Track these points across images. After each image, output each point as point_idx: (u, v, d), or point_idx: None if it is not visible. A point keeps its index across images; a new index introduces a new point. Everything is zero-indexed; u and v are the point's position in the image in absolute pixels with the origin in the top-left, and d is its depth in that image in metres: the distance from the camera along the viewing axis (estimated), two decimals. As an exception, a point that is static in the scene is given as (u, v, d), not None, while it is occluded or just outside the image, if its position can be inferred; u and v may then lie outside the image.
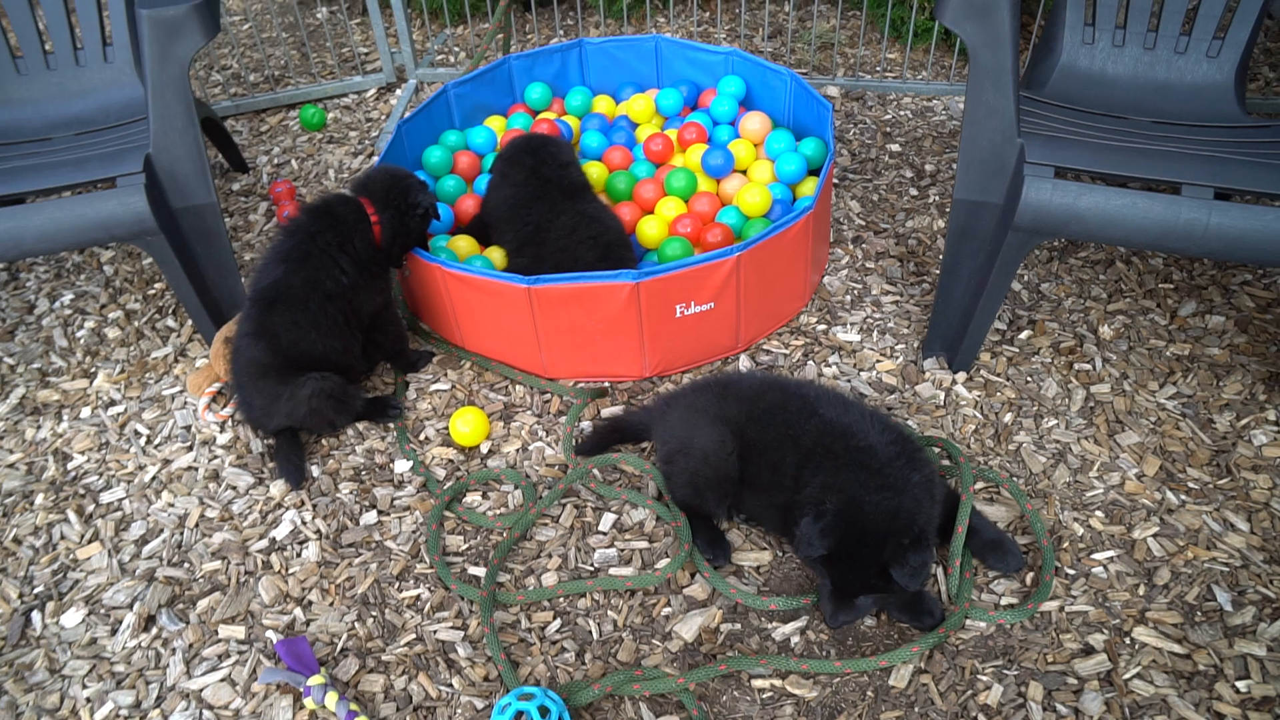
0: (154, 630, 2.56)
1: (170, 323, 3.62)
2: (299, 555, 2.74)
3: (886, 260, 3.66)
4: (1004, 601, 2.49)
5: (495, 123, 4.10)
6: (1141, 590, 2.49)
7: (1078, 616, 2.45)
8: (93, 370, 3.43)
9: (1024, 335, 3.29)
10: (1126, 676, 2.30)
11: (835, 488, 2.34)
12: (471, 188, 3.78)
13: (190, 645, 2.52)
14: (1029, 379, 3.13)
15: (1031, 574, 2.55)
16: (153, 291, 3.79)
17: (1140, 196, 2.69)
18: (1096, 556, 2.58)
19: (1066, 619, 2.44)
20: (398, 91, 5.03)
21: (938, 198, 3.99)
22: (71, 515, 2.89)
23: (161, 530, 2.84)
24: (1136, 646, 2.37)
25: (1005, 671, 2.34)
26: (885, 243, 3.75)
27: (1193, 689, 2.28)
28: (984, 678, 2.32)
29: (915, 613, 2.42)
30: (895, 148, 4.32)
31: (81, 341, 3.56)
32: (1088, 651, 2.37)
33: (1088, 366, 3.16)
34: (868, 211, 3.93)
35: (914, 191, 4.04)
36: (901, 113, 4.56)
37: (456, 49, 5.38)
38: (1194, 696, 2.26)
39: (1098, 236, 2.78)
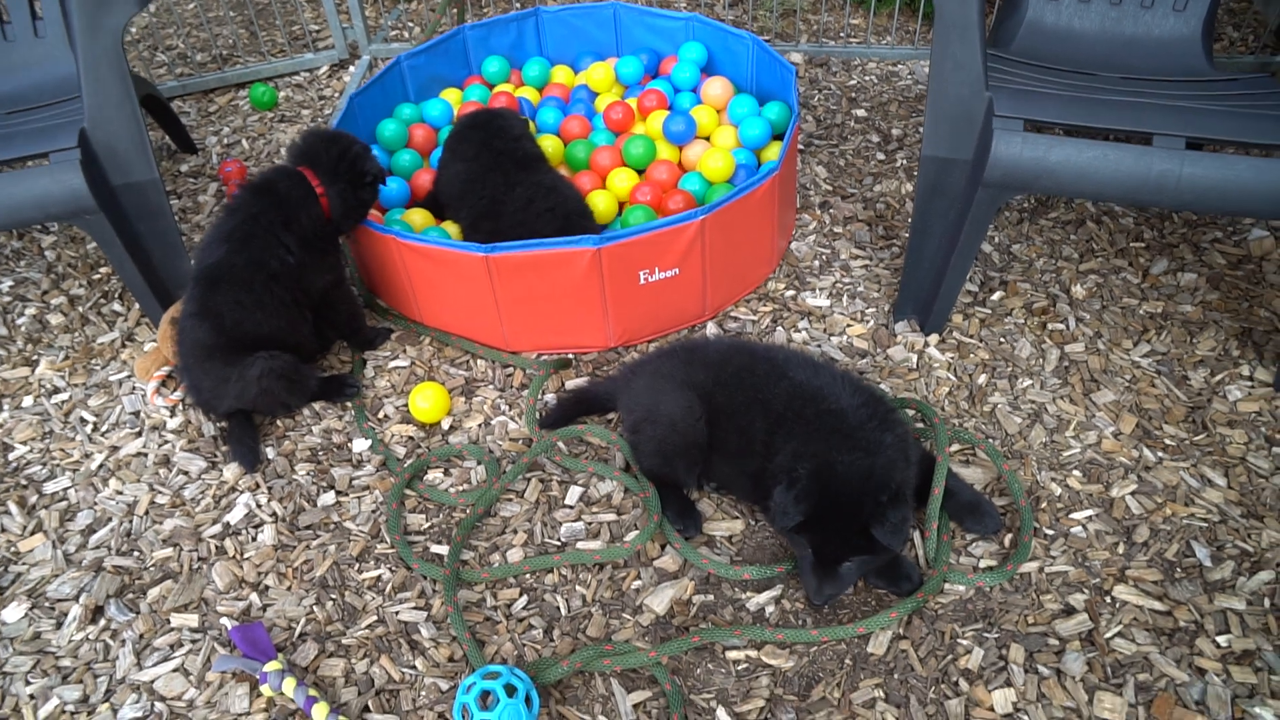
0: (102, 622, 2.44)
1: (117, 307, 3.48)
2: (254, 540, 2.63)
3: (855, 224, 3.59)
4: (983, 564, 2.43)
5: (451, 95, 3.98)
6: (1121, 549, 2.45)
7: (1057, 577, 2.40)
8: (34, 358, 3.28)
9: (996, 296, 3.24)
10: (1108, 635, 2.25)
11: (807, 453, 2.27)
12: (428, 162, 3.66)
13: (141, 636, 2.41)
14: (1002, 340, 3.07)
15: (1010, 535, 2.49)
16: (98, 276, 3.64)
17: (1112, 148, 2.63)
18: (1075, 516, 2.53)
19: (1046, 580, 2.39)
20: (351, 69, 4.88)
21: (905, 161, 3.92)
22: (12, 507, 2.75)
23: (109, 519, 2.71)
24: (1117, 605, 2.32)
25: (985, 635, 2.28)
26: (853, 207, 3.67)
27: (1174, 645, 2.23)
28: (964, 642, 2.27)
29: (893, 578, 2.35)
30: (861, 113, 4.25)
31: (22, 329, 3.41)
32: (1068, 612, 2.32)
33: (1061, 326, 3.11)
34: (834, 176, 3.86)
35: (881, 156, 3.97)
36: (867, 78, 4.49)
37: (411, 24, 5.24)
38: (1175, 653, 2.21)
39: (1069, 191, 2.72)
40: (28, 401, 3.12)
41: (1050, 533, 2.50)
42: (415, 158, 3.60)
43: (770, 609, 2.37)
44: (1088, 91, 3.05)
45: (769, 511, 2.38)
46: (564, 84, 4.03)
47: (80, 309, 3.47)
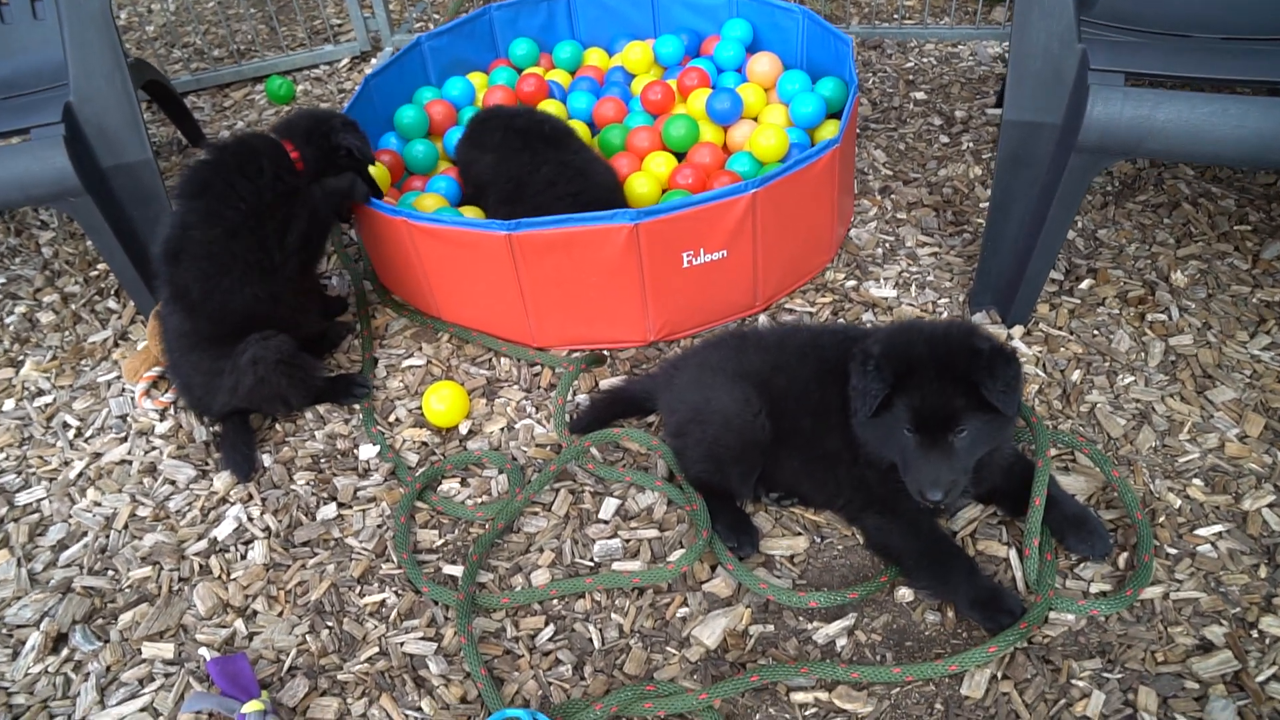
0: (64, 651, 2.12)
1: (112, 304, 3.20)
2: (243, 557, 2.30)
3: (920, 210, 3.22)
4: (1095, 589, 2.04)
5: (475, 79, 3.68)
6: (1263, 571, 2.04)
7: (1187, 605, 2.00)
8: (20, 358, 3.00)
9: (1085, 285, 2.85)
10: (1261, 678, 1.84)
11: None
12: (442, 145, 3.36)
13: (108, 668, 2.08)
14: (1096, 332, 2.69)
15: (1125, 554, 2.10)
16: (95, 273, 3.38)
17: (1233, 101, 2.25)
18: (1201, 532, 2.13)
19: (1174, 608, 1.99)
20: (372, 61, 4.62)
21: (971, 144, 3.56)
22: (-20, 520, 2.46)
23: (84, 534, 2.41)
24: (1267, 641, 1.91)
25: (1105, 675, 1.88)
26: (917, 192, 3.31)
27: (1342, 690, 1.82)
28: (1079, 683, 1.87)
29: (990, 612, 1.96)
30: (920, 95, 3.89)
31: (10, 328, 3.14)
32: (1206, 648, 1.92)
33: (1162, 317, 2.72)
34: (894, 161, 3.50)
35: (944, 139, 3.61)
36: (924, 60, 4.14)
37: (436, 16, 4.98)
38: (1344, 699, 1.81)
39: (1180, 154, 2.35)
40: (9, 405, 2.84)
41: (1173, 552, 2.10)
42: (430, 150, 3.27)
43: (842, 642, 2.00)
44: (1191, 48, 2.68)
45: (852, 504, 2.12)
46: (598, 66, 3.72)
47: (73, 306, 3.20)
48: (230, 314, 2.47)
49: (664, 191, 3.00)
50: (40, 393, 2.88)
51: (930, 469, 1.89)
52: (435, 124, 3.38)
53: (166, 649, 2.10)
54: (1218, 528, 2.14)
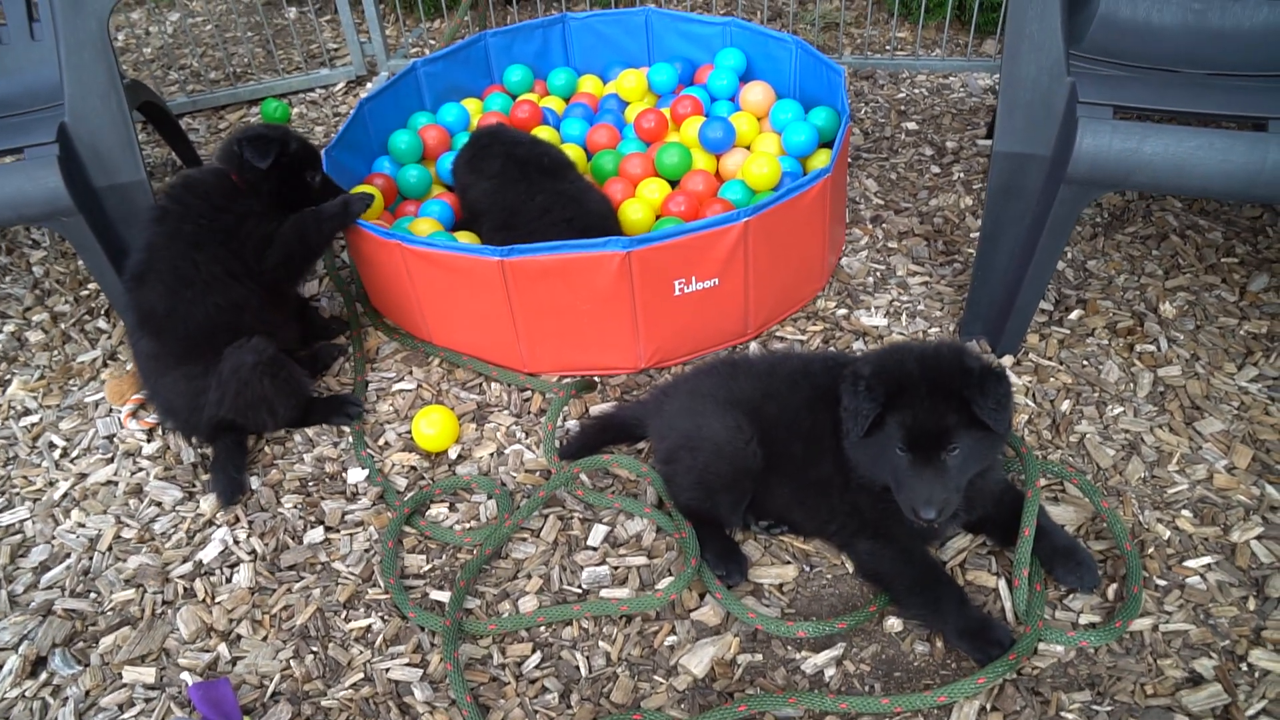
0: (43, 676, 2.09)
1: (102, 324, 3.19)
2: (228, 580, 2.28)
3: (911, 239, 3.24)
4: (1084, 620, 2.04)
5: (470, 105, 3.70)
6: (1251, 604, 2.04)
7: (1176, 637, 1.99)
8: (7, 377, 2.98)
9: (1074, 315, 2.87)
10: (1250, 712, 1.84)
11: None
12: (435, 170, 3.37)
13: (87, 693, 2.05)
14: (1085, 362, 2.70)
15: (1114, 586, 2.09)
16: (86, 293, 3.36)
17: (1219, 136, 2.28)
18: (1190, 564, 2.13)
19: (1163, 640, 1.99)
20: (368, 85, 4.64)
21: (962, 175, 3.58)
22: (-37, 541, 2.43)
23: (67, 555, 2.38)
24: (1256, 674, 1.91)
25: (1095, 707, 1.87)
26: (908, 221, 3.33)
27: (1331, 724, 1.82)
28: (1069, 715, 1.86)
29: (979, 643, 1.95)
30: (912, 125, 3.92)
31: (-2, 347, 3.13)
32: (1195, 681, 1.91)
33: (1151, 348, 2.73)
34: (886, 190, 3.53)
35: (935, 169, 3.63)
36: (916, 90, 4.18)
37: (433, 41, 5.02)
38: (1334, 734, 1.80)
39: (1167, 186, 2.36)
40: (-6, 425, 2.82)
41: (1162, 583, 2.10)
42: (424, 175, 3.28)
43: (830, 671, 1.99)
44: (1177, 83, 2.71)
45: (844, 530, 2.11)
46: (592, 93, 3.75)
47: (62, 325, 3.18)
48: (196, 328, 2.46)
49: (657, 218, 3.01)
50: (27, 412, 2.86)
51: (924, 487, 1.89)
52: (429, 149, 3.40)
53: (148, 673, 2.08)
54: (1206, 559, 2.14)
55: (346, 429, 2.66)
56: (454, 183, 3.17)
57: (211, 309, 2.47)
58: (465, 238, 2.96)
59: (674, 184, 3.15)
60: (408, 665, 2.06)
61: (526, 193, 2.87)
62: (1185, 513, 2.26)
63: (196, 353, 2.45)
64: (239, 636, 2.15)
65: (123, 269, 2.78)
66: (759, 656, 2.02)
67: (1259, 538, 2.17)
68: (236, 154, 2.62)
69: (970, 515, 2.12)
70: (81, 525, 2.46)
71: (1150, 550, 2.17)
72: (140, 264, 2.49)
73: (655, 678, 2.00)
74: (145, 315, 2.47)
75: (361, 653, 2.09)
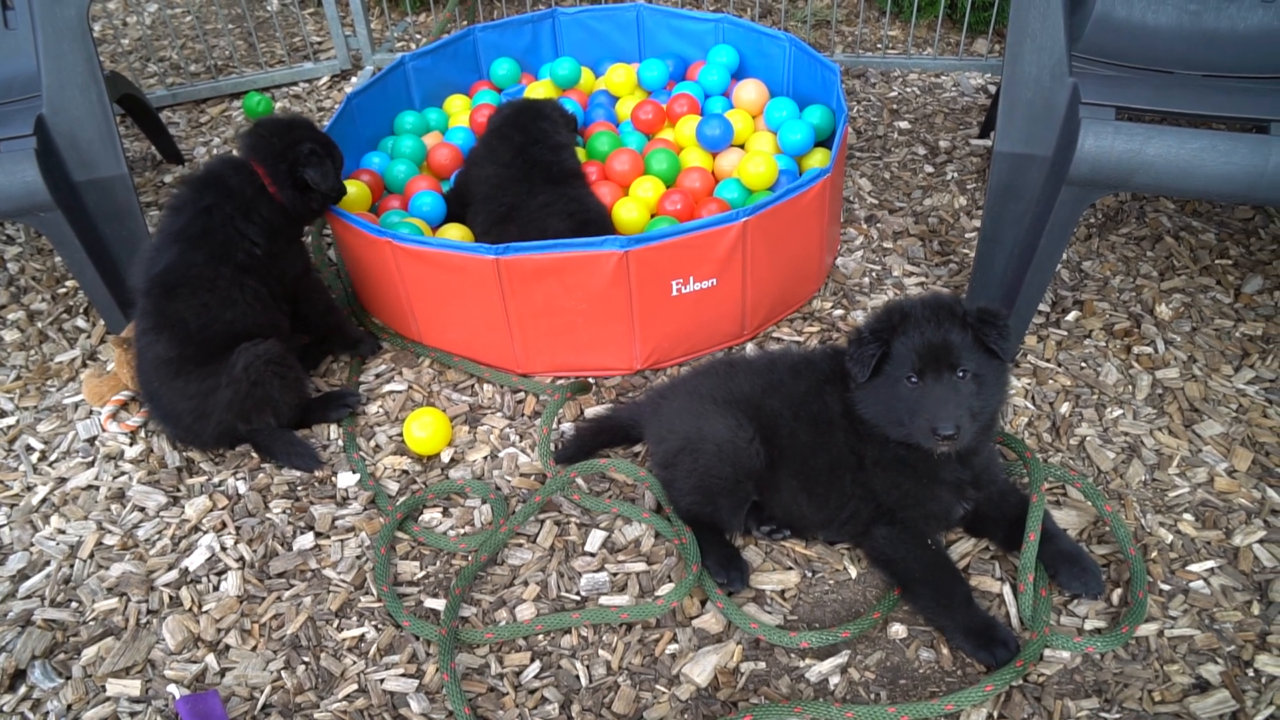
0: (22, 689, 2.02)
1: (80, 323, 3.10)
2: (216, 589, 2.22)
3: (906, 239, 3.22)
4: (1089, 625, 2.02)
5: (458, 101, 3.64)
6: (1256, 608, 2.03)
7: (1182, 642, 1.98)
8: (-18, 378, 2.90)
9: (1071, 317, 2.85)
10: (1259, 718, 1.82)
11: None
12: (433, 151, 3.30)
13: (68, 707, 1.99)
14: (1084, 364, 2.68)
15: (1119, 590, 2.07)
16: (63, 290, 3.27)
17: (1221, 138, 2.27)
18: (1194, 568, 2.12)
19: (1169, 646, 1.97)
20: (353, 79, 4.57)
21: (956, 174, 3.56)
22: (-63, 548, 2.35)
23: (46, 563, 2.31)
24: (1263, 680, 1.89)
25: (1103, 714, 1.85)
26: (903, 221, 3.31)
27: (1339, 731, 1.81)
28: (1077, 723, 1.84)
29: (982, 642, 1.93)
30: (904, 124, 3.90)
31: (-28, 346, 3.04)
32: (1202, 687, 1.89)
33: (1148, 350, 2.72)
34: (880, 190, 3.50)
35: (929, 168, 3.61)
36: (908, 89, 4.16)
37: (419, 35, 4.94)
38: (1341, 740, 1.79)
39: (1169, 188, 2.35)
40: (-31, 427, 2.73)
41: (1166, 588, 2.09)
42: (411, 170, 3.22)
43: (835, 680, 1.95)
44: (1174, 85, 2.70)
45: (859, 515, 2.09)
46: (581, 90, 3.69)
47: (39, 324, 3.10)
48: (219, 335, 2.42)
49: (652, 217, 2.97)
50: (2, 414, 2.77)
51: (938, 406, 1.87)
52: (444, 169, 3.30)
53: (133, 686, 2.01)
54: (1209, 563, 2.13)
55: (335, 432, 2.60)
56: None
57: (238, 317, 2.44)
58: (457, 232, 2.91)
59: (669, 185, 3.10)
60: (403, 676, 2.01)
61: (528, 193, 2.82)
62: (1187, 516, 2.24)
63: (216, 358, 2.40)
64: (227, 647, 2.09)
65: (104, 261, 2.72)
66: (763, 664, 1.99)
67: (1261, 541, 2.16)
68: (286, 169, 2.56)
69: (979, 492, 2.09)
70: (61, 532, 2.38)
71: (1153, 554, 2.15)
72: (170, 271, 2.41)
73: (657, 687, 1.96)
74: (167, 322, 2.40)
75: (355, 663, 2.04)
